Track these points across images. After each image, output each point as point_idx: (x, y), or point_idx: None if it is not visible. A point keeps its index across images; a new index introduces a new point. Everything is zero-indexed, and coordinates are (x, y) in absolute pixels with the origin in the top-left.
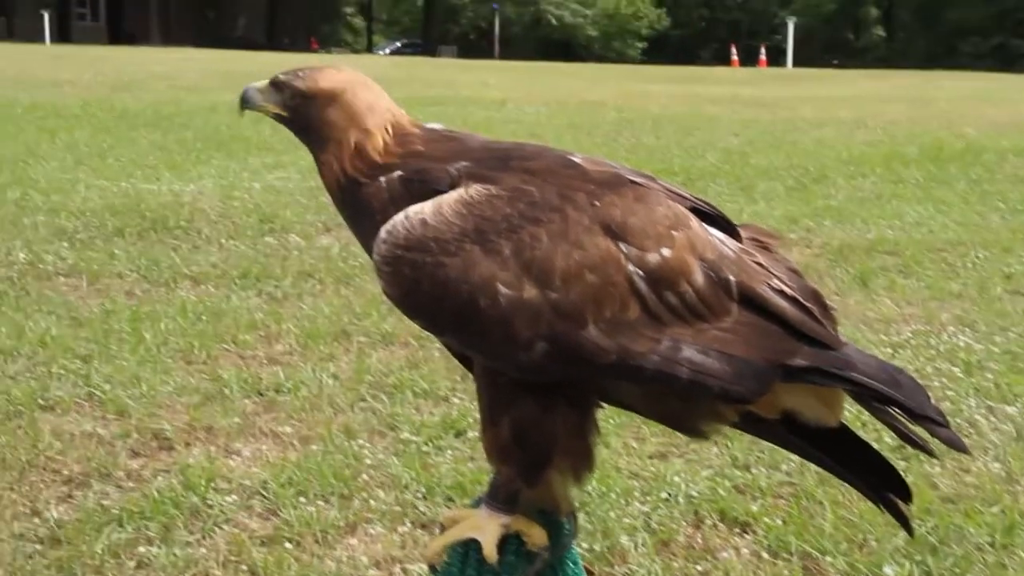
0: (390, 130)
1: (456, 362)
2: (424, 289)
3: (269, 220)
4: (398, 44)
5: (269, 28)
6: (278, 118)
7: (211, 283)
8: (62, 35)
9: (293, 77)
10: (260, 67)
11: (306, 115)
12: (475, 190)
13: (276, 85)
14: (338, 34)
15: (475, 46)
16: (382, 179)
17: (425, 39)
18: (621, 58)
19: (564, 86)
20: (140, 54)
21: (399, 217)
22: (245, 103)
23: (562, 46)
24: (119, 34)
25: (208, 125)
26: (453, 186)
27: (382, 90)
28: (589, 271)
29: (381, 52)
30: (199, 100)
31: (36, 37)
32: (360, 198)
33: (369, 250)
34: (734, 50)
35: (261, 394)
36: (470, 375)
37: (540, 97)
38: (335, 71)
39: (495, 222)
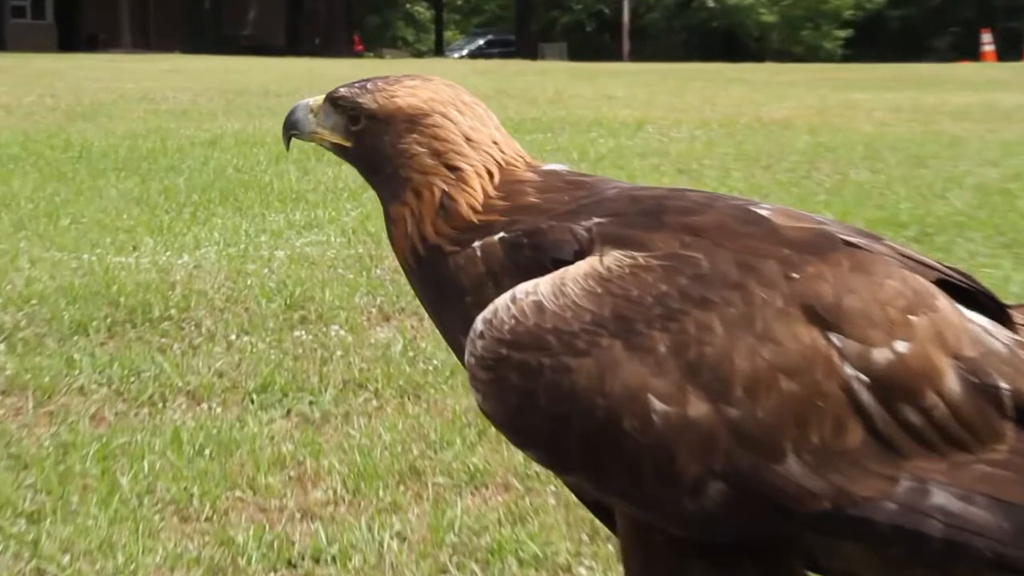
0: (494, 173)
1: (585, 512)
2: (540, 404)
3: (300, 305)
4: (480, 42)
5: (291, 25)
6: (337, 150)
7: (216, 400)
8: None
9: (359, 92)
10: (282, 80)
11: (376, 146)
12: (614, 259)
13: (335, 103)
14: (392, 30)
15: (593, 42)
16: (477, 245)
17: (521, 34)
18: (813, 54)
19: (728, 98)
20: (107, 64)
21: (503, 300)
22: (293, 129)
23: (723, 39)
24: (75, 37)
25: (208, 168)
26: (581, 254)
27: (487, 111)
28: (786, 376)
29: (456, 54)
30: (194, 131)
31: None
32: (445, 271)
33: (458, 347)
34: (986, 37)
35: (293, 565)
36: (609, 533)
37: (693, 115)
38: (419, 82)
39: (644, 306)
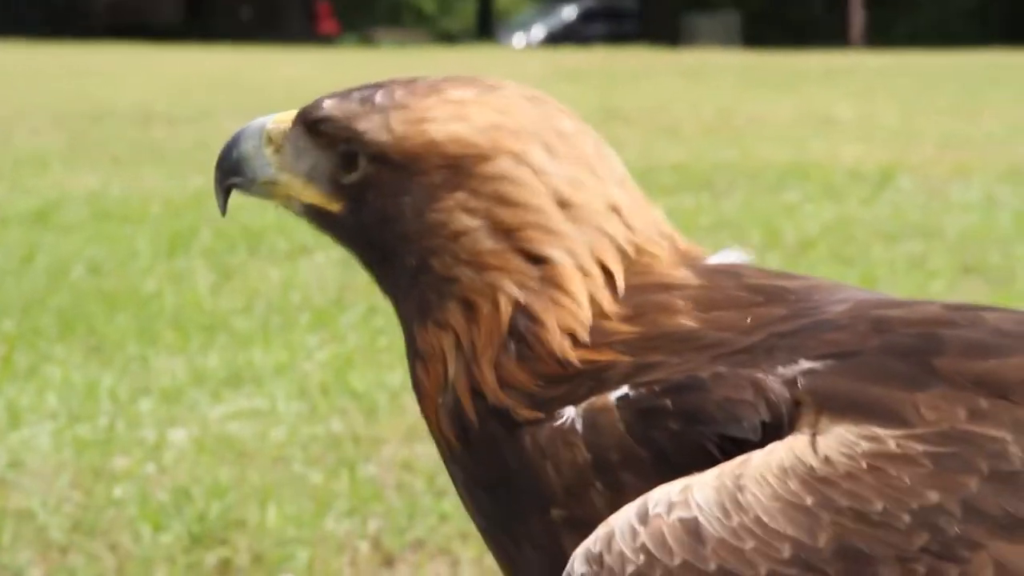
0: (615, 271)
1: None
2: None
3: (218, 538)
4: (568, 12)
5: None
6: (316, 217)
7: None
8: None
9: (359, 108)
10: (178, 91)
11: (388, 213)
12: (838, 441)
13: (314, 128)
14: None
15: (791, 12)
16: (577, 411)
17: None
18: None
19: None
20: None
21: (624, 518)
22: (235, 174)
23: None
24: None
25: (34, 268)
26: (775, 429)
27: (603, 148)
28: None
29: (520, 38)
30: (6, 192)
31: None
32: (514, 458)
33: None
34: None
35: None
36: None
37: (993, 157)
38: (474, 93)
39: (896, 533)
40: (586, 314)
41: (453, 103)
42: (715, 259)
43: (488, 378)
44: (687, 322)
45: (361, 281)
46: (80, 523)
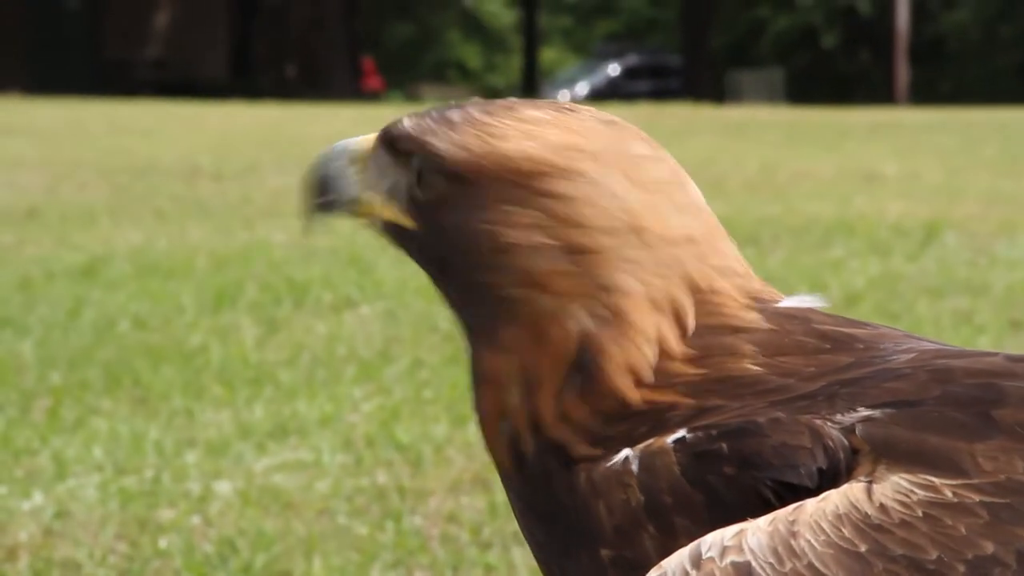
0: (685, 309)
1: None
2: None
3: None
4: (614, 68)
5: (239, 41)
6: (394, 234)
7: None
8: None
9: (434, 125)
10: (224, 146)
11: (460, 230)
12: (895, 490)
13: (393, 144)
14: (438, 49)
15: (836, 68)
16: (634, 451)
17: (692, 53)
18: None
19: None
20: None
21: (677, 563)
22: (326, 193)
23: None
24: None
25: (81, 322)
26: (831, 476)
27: (681, 174)
28: None
29: (565, 92)
30: (52, 249)
31: None
32: (567, 493)
33: None
34: None
35: None
36: None
37: None
38: (549, 114)
39: None
40: (652, 351)
41: (528, 122)
42: (787, 302)
43: (548, 409)
44: (752, 367)
45: (406, 334)
46: (126, 574)
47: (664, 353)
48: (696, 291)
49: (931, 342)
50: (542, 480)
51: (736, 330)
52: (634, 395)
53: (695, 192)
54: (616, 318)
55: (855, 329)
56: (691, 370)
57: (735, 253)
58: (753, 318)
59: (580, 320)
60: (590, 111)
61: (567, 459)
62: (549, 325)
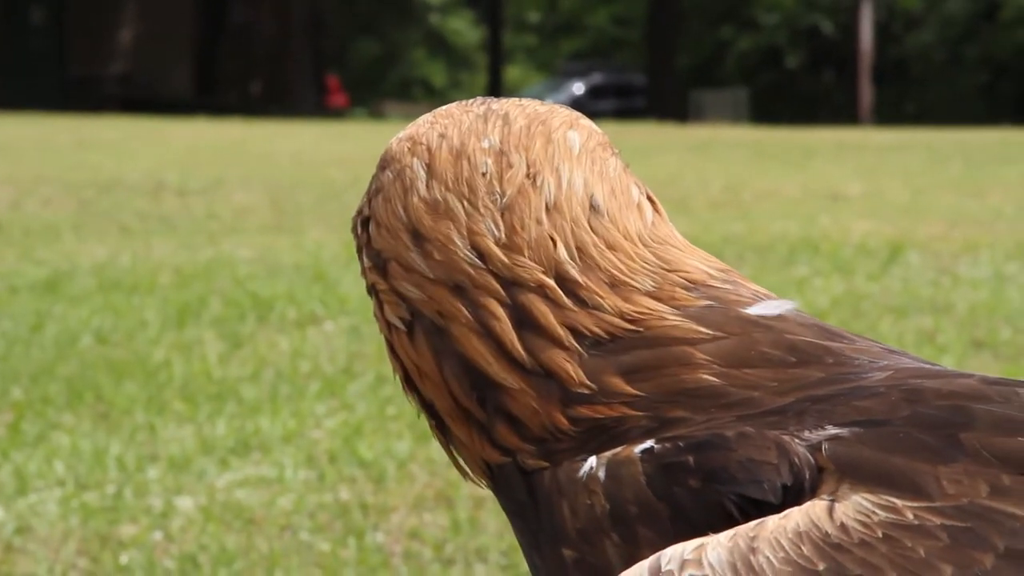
0: (626, 309)
1: None
2: None
3: None
4: (579, 87)
5: (202, 58)
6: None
7: None
8: None
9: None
10: (188, 162)
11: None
12: (856, 510)
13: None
14: (403, 66)
15: (800, 88)
16: (598, 461)
17: (656, 72)
18: None
19: None
20: None
21: (635, 573)
22: None
23: None
24: None
25: (43, 336)
26: (795, 493)
27: (606, 145)
28: None
29: None
30: (15, 263)
31: None
32: (522, 493)
33: None
34: None
35: None
36: None
37: (1003, 234)
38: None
39: None
40: (573, 369)
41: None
42: (757, 308)
43: (481, 438)
44: (708, 377)
45: (370, 350)
46: None
47: (594, 370)
48: (641, 293)
49: (912, 358)
50: (503, 481)
51: (688, 341)
52: (560, 420)
53: (635, 188)
54: (548, 318)
55: (828, 341)
56: (630, 386)
57: (682, 242)
58: (709, 326)
59: (488, 323)
60: (568, 111)
61: (519, 470)
62: (458, 330)
